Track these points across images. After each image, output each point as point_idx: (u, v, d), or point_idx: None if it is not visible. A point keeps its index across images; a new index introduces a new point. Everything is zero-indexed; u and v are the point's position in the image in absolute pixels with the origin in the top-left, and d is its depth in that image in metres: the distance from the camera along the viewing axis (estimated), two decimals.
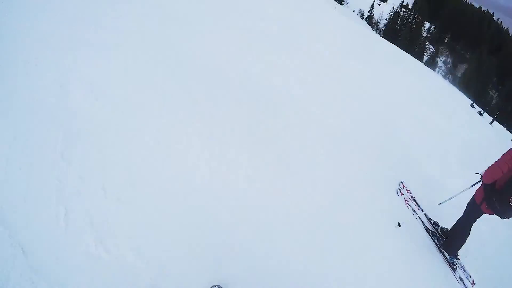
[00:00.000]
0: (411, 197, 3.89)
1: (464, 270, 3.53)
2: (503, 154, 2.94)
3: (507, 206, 2.88)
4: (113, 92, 3.16)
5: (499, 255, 3.93)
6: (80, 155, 2.43)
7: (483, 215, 3.19)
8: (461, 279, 3.42)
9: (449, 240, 3.50)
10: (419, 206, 3.83)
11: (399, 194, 3.86)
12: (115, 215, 2.20)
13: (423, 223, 3.72)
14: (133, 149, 2.69)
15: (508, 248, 4.16)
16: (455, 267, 3.45)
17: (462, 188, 3.49)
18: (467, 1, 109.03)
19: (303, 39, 8.36)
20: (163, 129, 3.02)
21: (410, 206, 3.76)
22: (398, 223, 3.39)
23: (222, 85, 4.14)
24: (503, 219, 3.02)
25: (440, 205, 3.61)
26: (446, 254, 3.50)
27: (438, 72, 69.74)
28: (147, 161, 2.65)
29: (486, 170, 3.05)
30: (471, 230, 3.34)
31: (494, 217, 3.07)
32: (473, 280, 3.48)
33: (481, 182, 3.11)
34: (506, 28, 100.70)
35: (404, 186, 3.95)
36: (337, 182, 3.52)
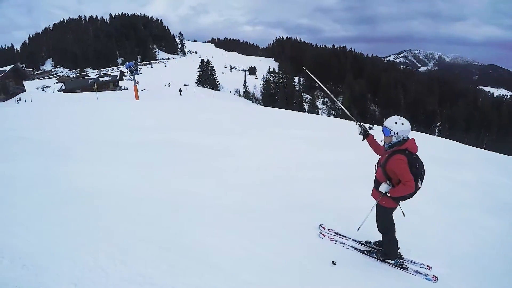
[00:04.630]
0: (335, 233, 4.31)
1: (415, 263, 3.92)
2: (396, 165, 3.31)
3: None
4: None
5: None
6: None
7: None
8: (417, 271, 3.79)
9: (385, 248, 3.89)
10: (345, 237, 4.20)
11: (322, 236, 4.23)
12: None
13: (356, 248, 4.09)
14: None
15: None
16: (404, 266, 3.83)
17: (367, 207, 3.81)
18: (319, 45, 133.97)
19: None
20: None
21: (336, 241, 4.14)
22: (332, 261, 3.63)
23: None
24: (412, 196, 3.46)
25: (359, 230, 3.84)
26: (389, 261, 3.85)
27: (322, 114, 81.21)
28: None
29: (396, 190, 3.37)
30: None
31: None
32: (427, 266, 3.86)
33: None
34: (359, 52, 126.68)
35: (324, 228, 4.38)
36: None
